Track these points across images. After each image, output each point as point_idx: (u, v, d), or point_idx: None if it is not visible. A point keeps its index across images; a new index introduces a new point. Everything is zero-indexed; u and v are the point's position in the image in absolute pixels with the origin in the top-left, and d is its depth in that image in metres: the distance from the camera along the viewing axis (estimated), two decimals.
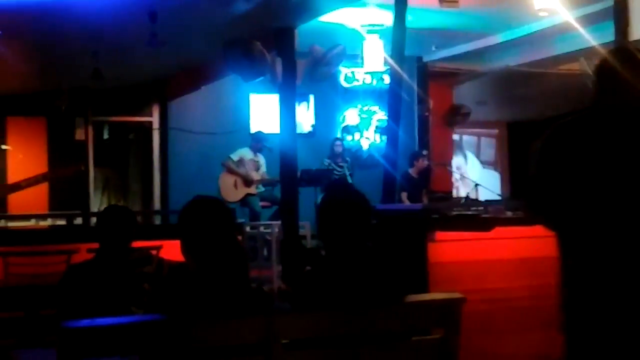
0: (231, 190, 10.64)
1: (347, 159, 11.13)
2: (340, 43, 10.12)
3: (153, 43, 7.86)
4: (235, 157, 10.73)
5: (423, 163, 10.92)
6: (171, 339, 2.74)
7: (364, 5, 8.70)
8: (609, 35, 7.54)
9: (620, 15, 7.27)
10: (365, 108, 12.71)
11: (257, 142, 10.87)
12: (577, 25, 8.87)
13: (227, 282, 2.91)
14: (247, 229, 8.88)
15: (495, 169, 15.70)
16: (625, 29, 7.25)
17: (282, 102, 8.88)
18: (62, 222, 9.53)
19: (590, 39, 8.98)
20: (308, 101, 12.42)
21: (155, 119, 12.94)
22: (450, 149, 13.56)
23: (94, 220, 7.49)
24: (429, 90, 12.56)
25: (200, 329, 2.76)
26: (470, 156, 15.29)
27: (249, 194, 10.65)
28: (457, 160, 14.23)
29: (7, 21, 7.82)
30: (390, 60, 7.17)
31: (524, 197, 3.17)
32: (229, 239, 2.97)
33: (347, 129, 12.60)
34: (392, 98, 7.18)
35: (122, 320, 2.82)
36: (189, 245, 2.98)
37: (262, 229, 9.19)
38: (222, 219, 3.00)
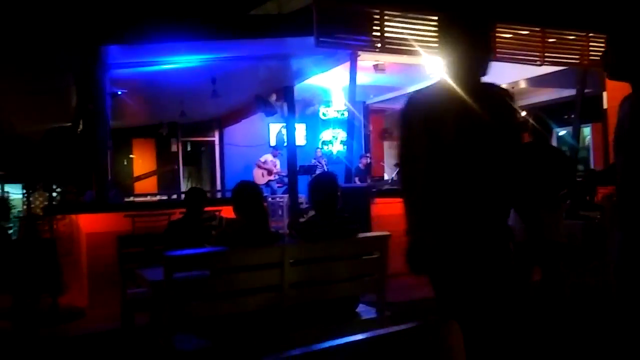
0: (260, 178, 10.63)
1: (325, 158, 11.16)
2: (320, 94, 10.10)
3: (213, 96, 7.84)
4: (262, 159, 10.74)
5: (365, 160, 10.97)
6: (226, 260, 2.76)
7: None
8: None
9: None
10: (335, 130, 12.68)
11: (275, 150, 10.88)
12: None
13: (259, 228, 2.93)
14: (269, 199, 8.85)
15: None
16: None
17: (287, 127, 8.85)
18: (165, 197, 9.44)
19: None
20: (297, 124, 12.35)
21: (216, 139, 12.85)
22: (382, 152, 13.57)
23: (183, 196, 7.44)
24: (370, 119, 12.55)
25: (243, 254, 2.78)
26: (392, 155, 15.22)
27: (270, 180, 10.67)
28: (386, 158, 14.22)
29: (130, 84, 7.75)
30: (348, 104, 7.14)
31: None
32: (259, 204, 2.99)
33: (324, 142, 12.61)
34: (349, 125, 7.17)
35: (200, 251, 2.83)
36: (238, 208, 3.00)
37: (278, 199, 9.15)
38: (256, 193, 3.01)
